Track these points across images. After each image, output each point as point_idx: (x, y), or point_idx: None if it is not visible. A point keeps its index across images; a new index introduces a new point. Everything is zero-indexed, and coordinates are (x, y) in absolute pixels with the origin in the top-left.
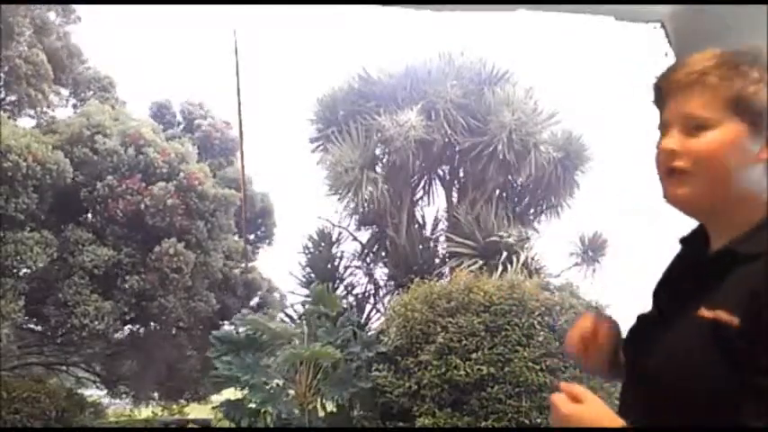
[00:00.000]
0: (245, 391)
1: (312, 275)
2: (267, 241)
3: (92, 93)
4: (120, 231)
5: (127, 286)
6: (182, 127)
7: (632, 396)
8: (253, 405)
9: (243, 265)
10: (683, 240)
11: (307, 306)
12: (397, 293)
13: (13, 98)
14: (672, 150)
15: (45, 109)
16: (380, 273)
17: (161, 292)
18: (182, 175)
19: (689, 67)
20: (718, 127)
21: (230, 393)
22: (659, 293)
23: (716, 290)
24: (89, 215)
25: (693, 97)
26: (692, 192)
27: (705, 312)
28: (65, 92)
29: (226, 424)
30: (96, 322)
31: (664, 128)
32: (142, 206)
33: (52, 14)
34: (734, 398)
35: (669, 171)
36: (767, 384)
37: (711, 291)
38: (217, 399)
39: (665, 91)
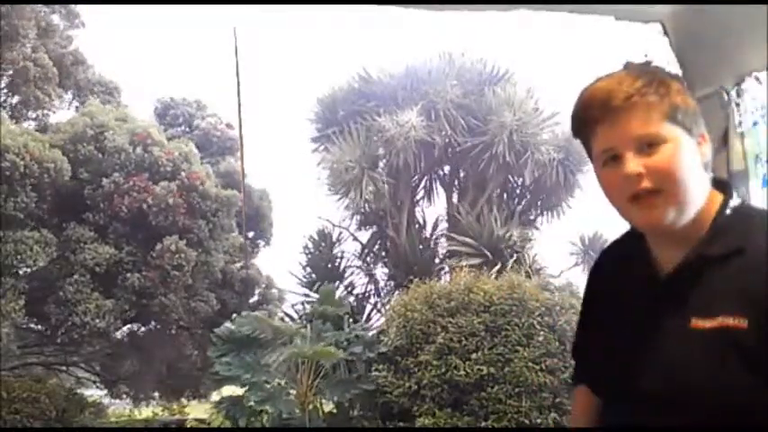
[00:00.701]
0: (245, 389)
1: (312, 275)
2: (266, 239)
3: (95, 96)
4: (122, 229)
5: (128, 284)
6: (182, 127)
7: (628, 417)
8: (252, 404)
9: (243, 261)
10: (626, 250)
11: (310, 306)
12: (397, 293)
13: (15, 100)
14: (639, 174)
15: (49, 111)
16: (380, 273)
17: (162, 289)
18: (183, 174)
19: (621, 91)
20: (668, 140)
21: (230, 391)
22: (603, 315)
23: (699, 297)
24: (91, 213)
25: (638, 118)
26: (665, 210)
27: (700, 323)
28: (68, 95)
29: (225, 423)
30: (97, 320)
31: (608, 155)
32: (145, 205)
33: (56, 17)
34: (751, 398)
35: (634, 196)
36: None
37: (693, 299)
38: (217, 398)
39: (596, 120)
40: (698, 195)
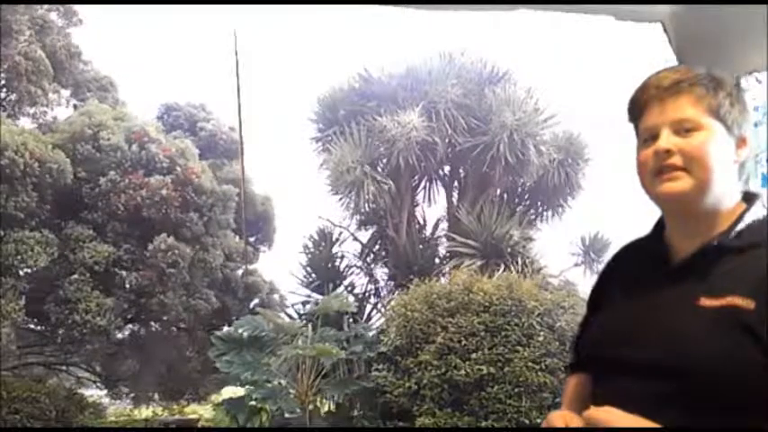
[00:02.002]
0: (246, 388)
1: (313, 275)
2: (268, 243)
3: (91, 93)
4: (120, 227)
5: (126, 282)
6: (185, 129)
7: (621, 395)
8: (253, 402)
9: (244, 267)
10: (643, 244)
11: (310, 306)
12: (397, 293)
13: (13, 97)
14: (667, 150)
15: (45, 108)
16: (380, 273)
17: (159, 288)
18: (179, 169)
19: (674, 77)
20: (705, 129)
21: (231, 392)
22: (609, 298)
23: (710, 280)
24: (89, 212)
25: (684, 103)
26: (685, 186)
27: (707, 302)
28: (65, 92)
29: (225, 423)
30: (98, 318)
31: (650, 134)
32: (139, 198)
33: (54, 15)
34: (750, 377)
35: (660, 169)
36: None
37: (703, 282)
38: (217, 398)
39: (647, 101)
40: (722, 187)
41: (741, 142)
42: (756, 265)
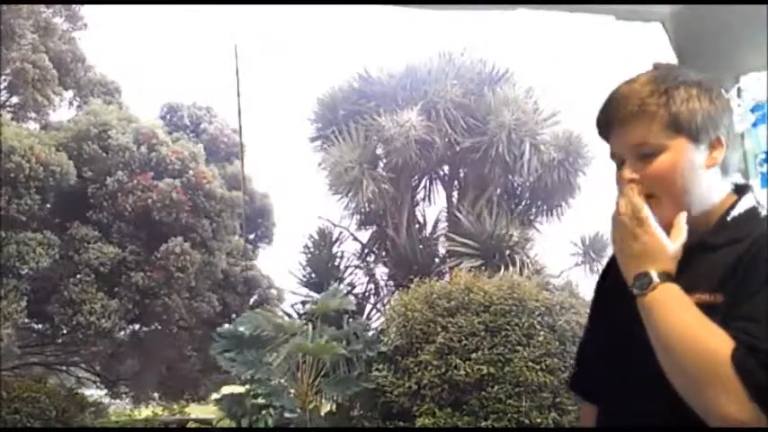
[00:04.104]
0: (247, 386)
1: (312, 275)
2: (267, 240)
3: (95, 97)
4: (126, 229)
5: (131, 283)
6: (188, 131)
7: (623, 405)
8: (256, 400)
9: (243, 263)
10: None
11: (310, 305)
12: (397, 293)
13: (16, 100)
14: (631, 180)
15: (49, 112)
16: (380, 273)
17: (165, 290)
18: (190, 173)
19: (626, 100)
20: (665, 150)
21: (231, 389)
22: (611, 291)
23: (686, 279)
24: (95, 212)
25: (637, 128)
26: (659, 212)
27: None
28: (68, 95)
29: (226, 423)
30: (103, 320)
31: (616, 159)
32: (149, 201)
33: (58, 19)
34: None
35: None
36: (734, 327)
37: (681, 281)
38: (217, 398)
39: (606, 126)
40: (699, 199)
41: (716, 143)
42: (725, 260)
